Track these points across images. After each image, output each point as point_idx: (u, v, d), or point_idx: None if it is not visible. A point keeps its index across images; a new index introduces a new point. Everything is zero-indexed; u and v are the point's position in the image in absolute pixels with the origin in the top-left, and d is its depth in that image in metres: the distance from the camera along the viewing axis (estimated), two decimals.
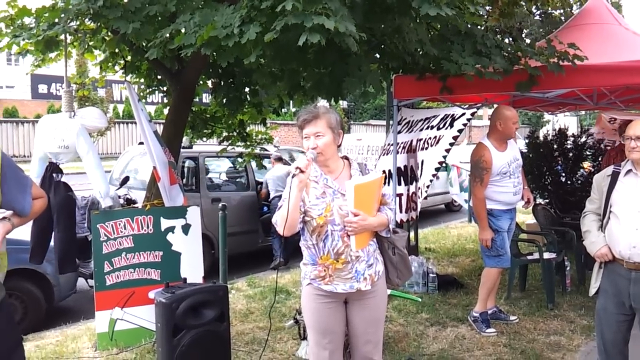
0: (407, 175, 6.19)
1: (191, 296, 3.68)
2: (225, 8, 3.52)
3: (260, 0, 3.14)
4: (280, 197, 7.45)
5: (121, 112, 26.37)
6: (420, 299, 5.33)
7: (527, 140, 8.04)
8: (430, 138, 6.61)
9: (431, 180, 6.12)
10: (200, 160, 7.59)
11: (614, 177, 3.30)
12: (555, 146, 7.67)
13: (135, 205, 6.58)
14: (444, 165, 6.02)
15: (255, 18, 3.17)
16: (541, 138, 7.83)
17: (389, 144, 6.04)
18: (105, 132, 21.58)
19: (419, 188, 6.41)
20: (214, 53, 3.57)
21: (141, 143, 9.21)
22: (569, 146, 7.67)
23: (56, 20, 3.70)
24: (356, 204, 2.68)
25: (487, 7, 4.59)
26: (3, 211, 2.37)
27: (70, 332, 5.11)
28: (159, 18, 3.75)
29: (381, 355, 3.02)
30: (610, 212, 3.24)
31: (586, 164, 7.90)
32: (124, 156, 8.68)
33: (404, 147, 6.10)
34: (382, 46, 4.62)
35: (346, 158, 2.97)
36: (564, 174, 7.71)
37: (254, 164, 7.22)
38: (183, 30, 3.47)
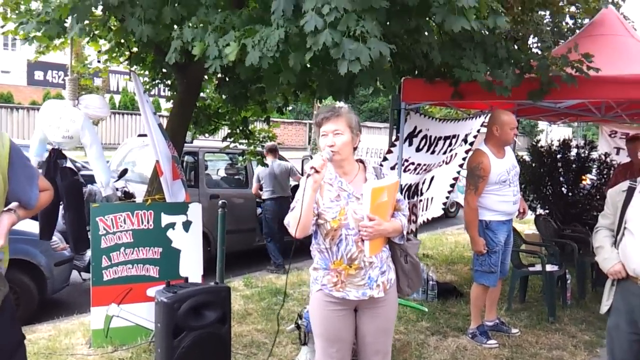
0: (411, 189, 6.08)
1: (193, 296, 3.59)
2: (238, 14, 3.45)
3: (293, 23, 3.08)
4: (273, 199, 7.44)
5: (117, 103, 26.13)
6: (426, 309, 5.24)
7: (530, 149, 7.98)
8: (451, 158, 6.49)
9: (447, 197, 6.00)
10: (200, 156, 7.49)
11: (630, 192, 3.23)
12: (558, 156, 7.62)
13: (133, 199, 6.50)
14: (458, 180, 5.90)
15: (292, 38, 3.11)
16: (545, 147, 7.78)
17: (403, 159, 5.86)
18: (99, 122, 21.36)
19: (421, 201, 6.30)
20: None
21: (141, 135, 9.12)
22: (572, 157, 7.62)
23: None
24: (372, 207, 2.60)
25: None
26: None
27: (63, 327, 5.00)
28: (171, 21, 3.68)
29: None
30: (625, 228, 3.17)
31: (588, 177, 7.87)
32: (122, 148, 8.57)
33: (425, 170, 5.94)
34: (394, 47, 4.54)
35: (361, 161, 2.89)
36: (565, 186, 7.67)
37: (254, 163, 7.12)
38: (203, 40, 3.40)
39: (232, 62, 3.28)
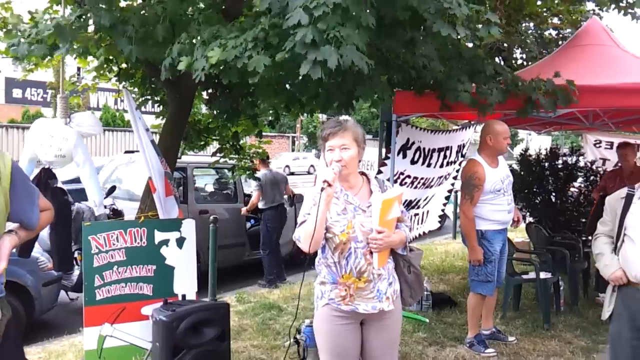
0: (411, 204, 6.08)
1: (192, 314, 3.54)
2: (229, 27, 3.44)
3: (271, 26, 3.06)
4: (274, 207, 7.39)
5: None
6: (427, 320, 5.22)
7: (519, 158, 8.05)
8: (449, 174, 6.51)
9: (443, 210, 6.01)
10: (189, 172, 7.42)
11: (628, 199, 3.26)
12: (546, 165, 7.70)
13: (122, 217, 6.41)
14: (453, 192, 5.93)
15: (270, 38, 3.09)
16: (534, 156, 7.86)
17: (399, 172, 5.86)
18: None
19: (417, 215, 6.30)
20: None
21: (127, 152, 9.04)
22: (559, 165, 7.71)
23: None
24: (381, 219, 2.59)
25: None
26: (9, 224, 2.21)
27: (53, 348, 4.89)
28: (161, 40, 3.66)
29: None
30: (624, 234, 3.20)
31: (574, 184, 7.96)
32: (108, 165, 8.46)
33: (423, 184, 5.94)
34: (387, 59, 4.56)
35: (363, 174, 2.88)
36: (554, 193, 7.74)
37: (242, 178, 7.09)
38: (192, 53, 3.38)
39: (215, 67, 3.23)
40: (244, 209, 7.75)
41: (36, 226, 2.30)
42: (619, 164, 6.50)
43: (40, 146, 3.81)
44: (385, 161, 5.93)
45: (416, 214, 6.27)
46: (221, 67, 3.25)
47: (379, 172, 5.96)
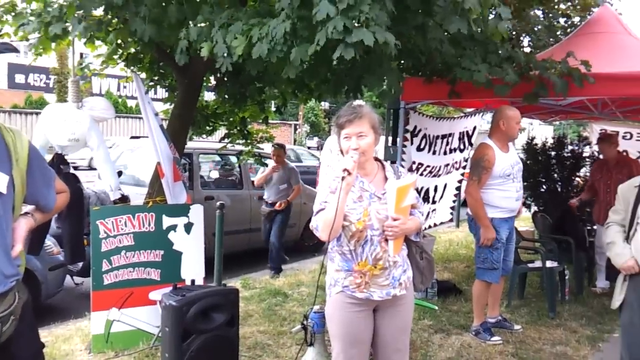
0: (420, 195, 6.05)
1: (202, 299, 3.53)
2: (244, 11, 3.40)
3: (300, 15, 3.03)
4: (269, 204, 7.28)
5: None
6: (436, 307, 5.23)
7: (524, 147, 8.03)
8: (455, 162, 6.47)
9: (454, 201, 5.98)
10: (194, 158, 7.40)
11: None
12: (553, 154, 7.68)
13: (128, 202, 6.39)
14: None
15: (300, 30, 3.06)
16: (540, 145, 7.83)
17: (412, 162, 5.82)
18: None
19: (434, 210, 6.27)
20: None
21: (133, 137, 9.01)
22: (566, 154, 7.68)
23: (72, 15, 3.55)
24: (397, 206, 2.58)
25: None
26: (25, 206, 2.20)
27: (60, 333, 4.89)
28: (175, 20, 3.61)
29: None
30: (637, 223, 3.18)
31: (581, 174, 7.92)
32: (113, 150, 8.44)
33: (430, 172, 5.92)
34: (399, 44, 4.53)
35: (378, 160, 2.86)
36: (560, 183, 7.72)
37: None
38: (210, 36, 3.33)
39: (240, 58, 3.22)
40: (282, 203, 7.26)
41: (52, 208, 2.28)
42: (601, 156, 6.47)
43: (53, 131, 3.79)
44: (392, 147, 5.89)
45: (431, 207, 6.24)
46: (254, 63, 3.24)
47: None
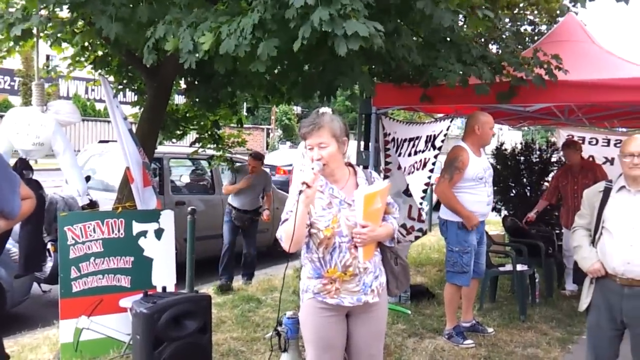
0: None
1: (174, 306, 3.49)
2: (213, 10, 3.36)
3: (277, 8, 2.99)
4: (248, 212, 7.19)
5: None
6: (409, 312, 5.26)
7: (494, 152, 8.14)
8: (417, 162, 6.53)
9: (421, 204, 6.03)
10: (165, 162, 7.31)
11: (606, 193, 3.31)
12: (522, 159, 7.81)
13: (97, 208, 6.27)
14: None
15: (268, 24, 3.03)
16: (509, 151, 7.96)
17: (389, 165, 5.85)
18: None
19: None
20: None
21: (102, 141, 8.84)
22: (535, 160, 7.81)
23: (33, 10, 3.45)
24: (365, 214, 2.57)
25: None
26: None
27: (27, 342, 4.77)
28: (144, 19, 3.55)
29: None
30: (602, 227, 3.25)
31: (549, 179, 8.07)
32: (82, 155, 8.27)
33: (398, 169, 5.99)
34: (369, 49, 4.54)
35: (350, 165, 2.86)
36: (529, 187, 7.85)
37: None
38: (177, 34, 3.27)
39: (207, 54, 3.16)
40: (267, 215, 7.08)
41: (17, 215, 2.23)
42: (566, 162, 6.60)
43: (17, 135, 3.70)
44: (364, 154, 5.92)
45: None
46: (213, 54, 3.18)
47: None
